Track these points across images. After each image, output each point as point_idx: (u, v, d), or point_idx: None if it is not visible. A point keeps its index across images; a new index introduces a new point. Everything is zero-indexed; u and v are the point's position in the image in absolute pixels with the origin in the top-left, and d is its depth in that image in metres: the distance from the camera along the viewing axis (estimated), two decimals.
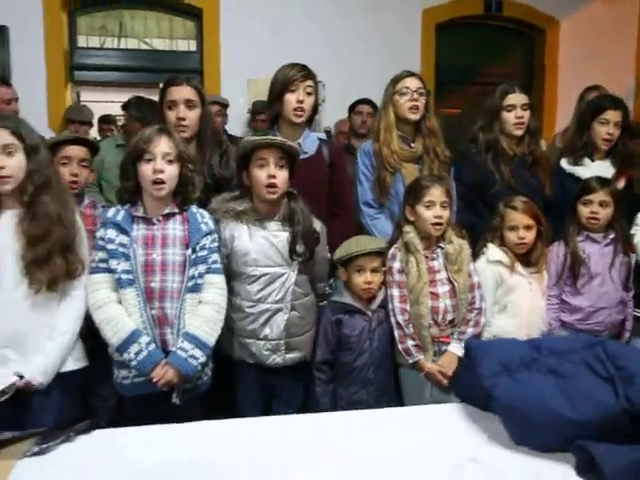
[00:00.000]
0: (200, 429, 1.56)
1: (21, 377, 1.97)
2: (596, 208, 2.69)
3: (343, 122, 4.76)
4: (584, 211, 2.71)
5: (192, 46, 5.55)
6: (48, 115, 4.91)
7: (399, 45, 5.50)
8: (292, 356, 2.39)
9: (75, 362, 2.12)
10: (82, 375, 2.16)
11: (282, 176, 2.30)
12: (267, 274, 2.32)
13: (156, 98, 4.17)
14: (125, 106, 4.27)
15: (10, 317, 1.99)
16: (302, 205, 2.38)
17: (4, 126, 1.98)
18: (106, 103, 6.19)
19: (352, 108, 4.57)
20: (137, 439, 1.48)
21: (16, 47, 4.92)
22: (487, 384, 1.42)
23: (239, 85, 5.15)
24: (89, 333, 2.18)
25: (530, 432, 1.35)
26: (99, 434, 1.47)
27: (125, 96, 4.69)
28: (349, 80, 5.04)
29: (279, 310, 2.34)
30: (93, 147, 2.64)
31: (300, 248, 2.33)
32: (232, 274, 2.35)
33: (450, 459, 1.33)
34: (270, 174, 2.27)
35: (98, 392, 2.50)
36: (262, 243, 2.32)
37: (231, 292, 2.33)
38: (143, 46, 5.57)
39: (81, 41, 5.39)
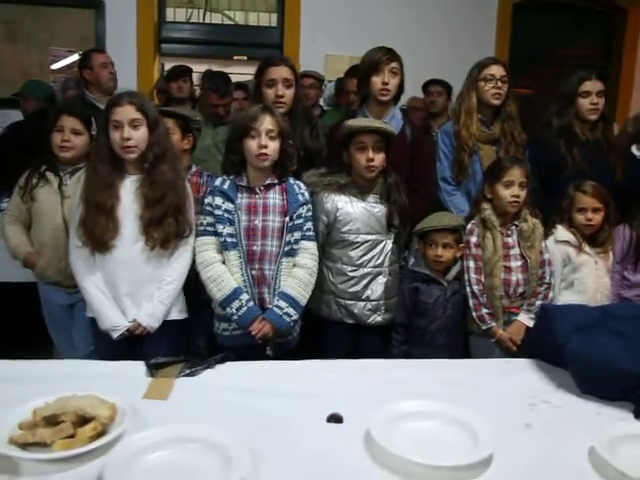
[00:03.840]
0: (307, 365, 1.85)
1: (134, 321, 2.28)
2: None
3: (415, 99, 4.85)
4: None
5: (273, 21, 5.71)
6: (137, 86, 5.09)
7: (475, 24, 5.54)
8: (388, 316, 2.61)
9: (179, 313, 2.40)
10: (183, 326, 2.43)
11: (379, 158, 2.49)
12: (368, 241, 2.54)
13: (232, 70, 4.35)
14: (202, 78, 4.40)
15: (129, 269, 2.28)
16: (398, 183, 2.57)
17: (132, 102, 2.23)
18: None
19: (424, 88, 4.71)
20: (259, 370, 1.77)
21: (111, 21, 5.20)
22: (561, 341, 1.62)
23: (317, 60, 5.23)
24: (190, 290, 2.43)
25: (595, 382, 1.56)
26: (230, 364, 1.77)
27: (202, 68, 4.83)
28: (423, 58, 4.98)
29: (379, 274, 2.57)
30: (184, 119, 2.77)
31: (396, 221, 2.56)
32: (333, 242, 2.56)
33: (525, 399, 1.55)
34: (369, 157, 2.46)
35: (195, 343, 2.76)
36: (363, 213, 2.54)
37: (332, 258, 2.56)
38: (226, 20, 5.77)
39: (169, 14, 5.62)
